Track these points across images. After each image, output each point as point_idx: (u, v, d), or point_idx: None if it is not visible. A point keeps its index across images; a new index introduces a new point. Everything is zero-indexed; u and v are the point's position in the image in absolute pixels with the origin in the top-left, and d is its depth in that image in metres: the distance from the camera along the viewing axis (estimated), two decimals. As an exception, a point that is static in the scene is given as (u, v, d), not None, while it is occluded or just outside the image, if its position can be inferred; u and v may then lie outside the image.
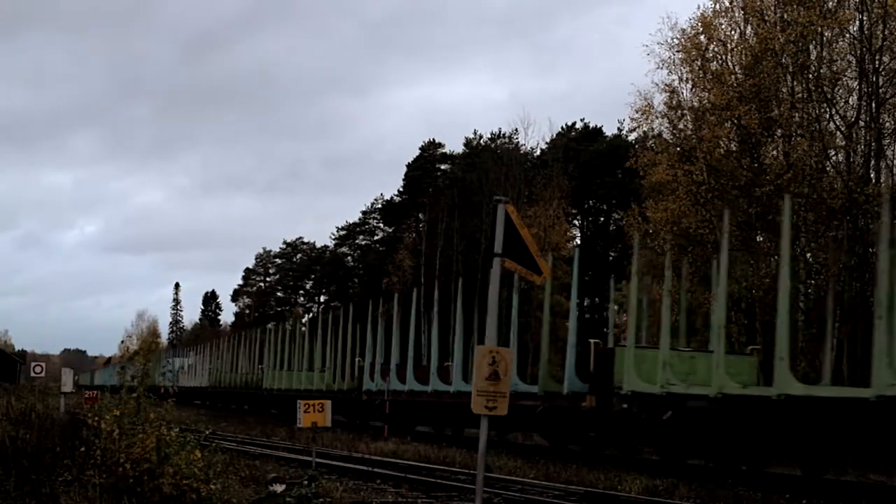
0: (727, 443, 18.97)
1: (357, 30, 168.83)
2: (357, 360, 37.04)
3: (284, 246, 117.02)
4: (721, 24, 38.22)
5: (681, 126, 38.99)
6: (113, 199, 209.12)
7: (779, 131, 36.51)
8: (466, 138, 79.85)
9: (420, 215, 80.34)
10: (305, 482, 13.34)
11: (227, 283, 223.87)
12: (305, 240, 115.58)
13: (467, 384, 29.06)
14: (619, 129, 66.78)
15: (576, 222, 73.87)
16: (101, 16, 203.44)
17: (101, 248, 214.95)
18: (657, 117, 39.37)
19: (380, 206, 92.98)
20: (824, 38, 35.87)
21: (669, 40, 38.00)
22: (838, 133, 35.92)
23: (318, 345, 41.29)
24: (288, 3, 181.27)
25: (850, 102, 36.03)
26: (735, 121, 35.74)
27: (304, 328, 56.01)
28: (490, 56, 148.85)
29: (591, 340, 23.39)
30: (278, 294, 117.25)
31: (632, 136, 54.34)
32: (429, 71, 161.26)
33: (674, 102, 38.56)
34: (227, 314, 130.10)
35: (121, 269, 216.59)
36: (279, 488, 11.23)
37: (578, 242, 71.43)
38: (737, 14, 38.24)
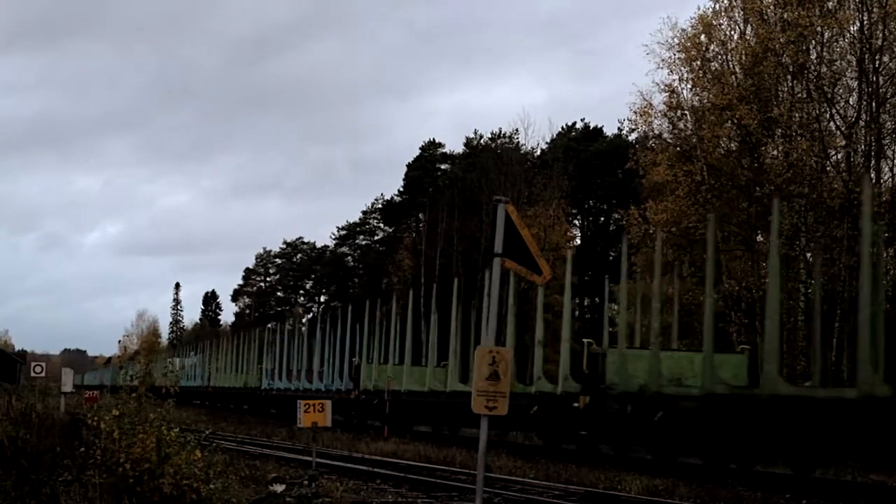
0: (717, 442, 19.08)
1: (405, 37, 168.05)
2: (353, 359, 37.04)
3: (284, 246, 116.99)
4: (721, 24, 38.32)
5: (681, 126, 39.04)
6: (140, 202, 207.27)
7: (779, 131, 36.56)
8: (467, 138, 79.88)
9: (420, 215, 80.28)
10: (305, 482, 13.34)
11: (230, 284, 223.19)
12: (305, 240, 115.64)
13: (463, 384, 29.05)
14: (619, 129, 66.79)
15: (576, 222, 73.89)
16: (148, 23, 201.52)
17: (121, 249, 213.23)
18: (657, 117, 39.47)
19: (380, 206, 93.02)
20: (824, 38, 35.91)
21: (670, 40, 38.11)
22: (838, 133, 35.94)
23: (318, 344, 41.31)
24: (340, 12, 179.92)
25: (850, 102, 36.07)
26: (735, 121, 35.77)
27: (304, 328, 55.98)
28: (532, 63, 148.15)
29: (585, 340, 23.33)
30: (278, 294, 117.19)
31: (632, 137, 54.43)
32: (470, 76, 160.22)
33: (674, 102, 38.62)
34: (228, 314, 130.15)
35: (136, 271, 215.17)
36: (279, 488, 11.23)
37: (578, 242, 71.47)
38: (737, 14, 38.32)
